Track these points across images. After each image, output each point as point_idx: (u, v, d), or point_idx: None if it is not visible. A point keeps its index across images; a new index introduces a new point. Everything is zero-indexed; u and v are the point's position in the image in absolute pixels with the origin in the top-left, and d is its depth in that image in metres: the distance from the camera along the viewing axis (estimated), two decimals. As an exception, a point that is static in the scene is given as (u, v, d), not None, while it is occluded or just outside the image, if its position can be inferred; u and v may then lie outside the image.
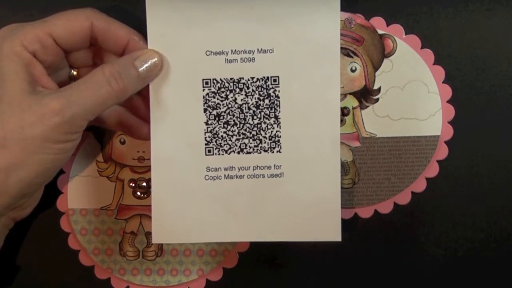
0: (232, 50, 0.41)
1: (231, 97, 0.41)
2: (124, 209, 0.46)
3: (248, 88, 0.41)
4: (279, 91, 0.41)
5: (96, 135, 0.45)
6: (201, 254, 0.46)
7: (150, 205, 0.46)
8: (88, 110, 0.38)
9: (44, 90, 0.38)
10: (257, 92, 0.41)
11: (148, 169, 0.46)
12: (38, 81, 0.38)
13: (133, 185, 0.46)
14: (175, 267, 0.47)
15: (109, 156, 0.46)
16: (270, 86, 0.41)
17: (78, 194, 0.46)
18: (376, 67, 0.45)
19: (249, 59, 0.41)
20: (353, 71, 0.45)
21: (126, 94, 0.39)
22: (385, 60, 0.45)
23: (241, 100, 0.41)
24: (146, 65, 0.40)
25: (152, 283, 0.47)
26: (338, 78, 0.41)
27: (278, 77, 0.41)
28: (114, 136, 0.46)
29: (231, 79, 0.41)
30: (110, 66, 0.38)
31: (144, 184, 0.46)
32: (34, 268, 0.46)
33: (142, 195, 0.46)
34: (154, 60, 0.40)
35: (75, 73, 0.42)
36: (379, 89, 0.45)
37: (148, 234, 0.46)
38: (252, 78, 0.41)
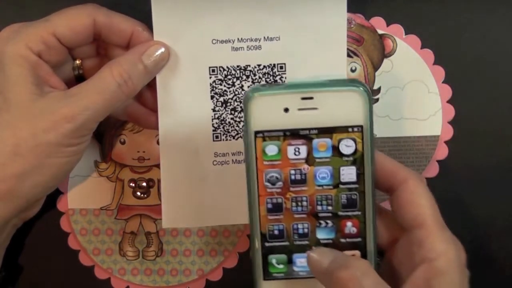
0: (238, 39, 0.41)
1: (238, 84, 0.42)
2: (124, 209, 0.46)
3: (254, 75, 0.42)
4: (285, 77, 0.42)
5: (96, 135, 0.45)
6: (201, 254, 0.46)
7: (150, 205, 0.46)
8: (99, 113, 0.38)
9: (53, 91, 0.38)
10: (263, 79, 0.42)
11: (148, 169, 0.46)
12: (45, 81, 0.38)
13: (133, 185, 0.46)
14: (175, 267, 0.47)
15: (109, 156, 0.46)
16: (277, 73, 0.42)
17: (78, 194, 0.46)
18: (376, 67, 0.45)
19: (256, 46, 0.41)
20: (353, 71, 0.45)
21: (135, 92, 0.40)
22: (385, 60, 0.45)
23: (248, 87, 0.42)
24: (154, 58, 0.40)
25: (152, 283, 0.47)
26: (344, 66, 0.41)
27: (284, 64, 0.41)
28: (114, 136, 0.46)
29: (237, 66, 0.42)
30: (118, 66, 0.38)
31: (144, 184, 0.46)
32: (34, 268, 0.46)
33: (142, 195, 0.46)
34: (161, 52, 0.40)
35: (78, 62, 0.42)
36: (379, 89, 0.45)
37: (148, 234, 0.46)
38: (259, 65, 0.42)
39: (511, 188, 0.46)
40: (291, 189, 0.37)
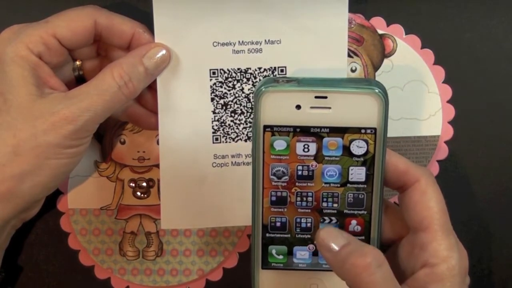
0: (239, 41, 0.41)
1: (238, 87, 0.42)
2: (124, 209, 0.46)
3: (255, 78, 0.42)
4: None
5: (96, 135, 0.45)
6: (201, 254, 0.46)
7: (150, 205, 0.46)
8: (99, 114, 0.38)
9: (53, 92, 0.38)
10: None
11: (148, 169, 0.46)
12: (45, 83, 0.38)
13: (133, 185, 0.46)
14: (175, 267, 0.47)
15: (109, 156, 0.46)
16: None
17: (78, 194, 0.46)
18: (376, 67, 0.45)
19: (257, 50, 0.41)
20: (353, 71, 0.45)
21: (136, 94, 0.40)
22: (385, 60, 0.45)
23: (248, 89, 0.42)
24: (155, 61, 0.40)
25: (152, 283, 0.47)
26: (344, 69, 0.41)
27: (285, 67, 0.42)
28: (114, 136, 0.46)
29: (238, 69, 0.42)
30: (119, 68, 0.38)
31: (144, 184, 0.46)
32: (35, 268, 0.46)
33: (142, 195, 0.46)
34: (162, 54, 0.40)
35: (78, 63, 0.42)
36: (379, 89, 0.45)
37: (148, 234, 0.46)
38: (259, 68, 0.42)
39: (511, 188, 0.46)
40: (297, 184, 0.37)
